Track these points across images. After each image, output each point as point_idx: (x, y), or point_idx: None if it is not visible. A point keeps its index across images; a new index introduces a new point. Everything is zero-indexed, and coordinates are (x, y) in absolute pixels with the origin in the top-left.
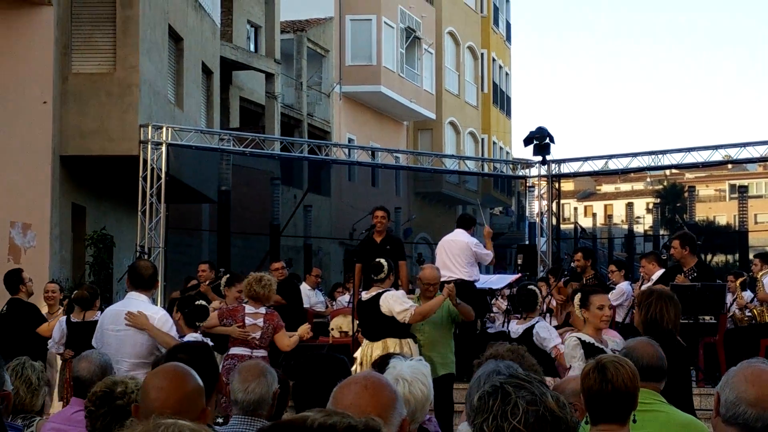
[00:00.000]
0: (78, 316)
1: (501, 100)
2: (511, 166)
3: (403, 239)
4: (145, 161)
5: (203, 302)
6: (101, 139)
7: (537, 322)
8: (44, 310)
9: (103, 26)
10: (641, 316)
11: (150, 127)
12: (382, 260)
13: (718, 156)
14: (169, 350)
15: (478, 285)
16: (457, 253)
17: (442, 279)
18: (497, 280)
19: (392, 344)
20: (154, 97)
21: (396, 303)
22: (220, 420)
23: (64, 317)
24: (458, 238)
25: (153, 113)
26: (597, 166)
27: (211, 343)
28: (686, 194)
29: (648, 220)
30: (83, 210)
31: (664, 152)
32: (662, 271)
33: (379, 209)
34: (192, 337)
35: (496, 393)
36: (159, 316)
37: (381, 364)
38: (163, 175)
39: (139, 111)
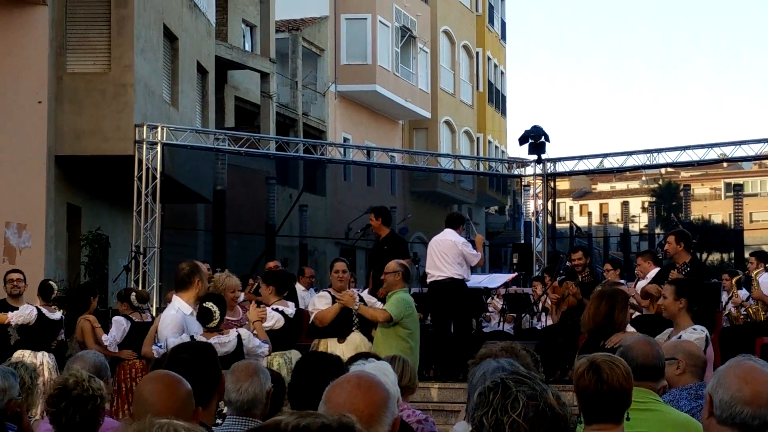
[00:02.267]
0: (136, 317)
1: (496, 98)
2: (506, 165)
3: None
4: (140, 161)
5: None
6: (96, 138)
7: None
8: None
9: (98, 26)
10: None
11: (145, 127)
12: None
13: (713, 154)
14: (172, 350)
15: (473, 284)
16: (445, 252)
17: (432, 279)
18: (493, 280)
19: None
20: (149, 96)
21: (312, 304)
22: (219, 421)
23: (122, 317)
24: (446, 237)
25: (148, 113)
26: (592, 164)
27: None
28: (682, 193)
29: (643, 219)
30: (78, 210)
31: (659, 151)
32: (657, 269)
33: (370, 210)
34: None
35: (497, 387)
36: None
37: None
38: (158, 175)
39: (134, 111)
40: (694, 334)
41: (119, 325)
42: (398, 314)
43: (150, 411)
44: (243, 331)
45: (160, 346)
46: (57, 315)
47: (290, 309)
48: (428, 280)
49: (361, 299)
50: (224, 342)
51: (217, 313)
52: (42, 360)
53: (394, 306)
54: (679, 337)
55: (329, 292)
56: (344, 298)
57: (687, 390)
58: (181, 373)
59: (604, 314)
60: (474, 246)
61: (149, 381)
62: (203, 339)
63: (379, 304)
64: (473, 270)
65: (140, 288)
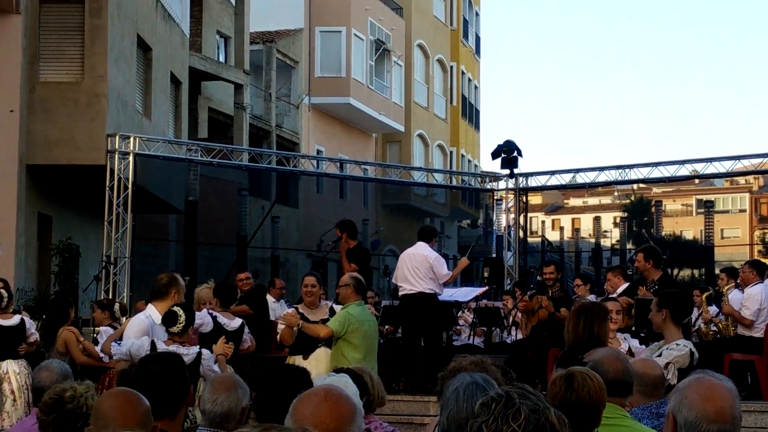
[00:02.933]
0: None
1: (470, 113)
2: (479, 179)
3: (371, 251)
4: (112, 171)
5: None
6: (68, 148)
7: None
8: None
9: (72, 35)
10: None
11: (117, 137)
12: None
13: (684, 171)
14: (140, 360)
15: (444, 298)
16: (416, 266)
17: (404, 292)
18: (464, 293)
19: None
20: (122, 106)
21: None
22: None
23: (108, 328)
24: (418, 251)
25: (121, 123)
26: (565, 179)
27: None
28: (653, 209)
29: (615, 234)
30: (49, 219)
31: (631, 166)
32: (627, 284)
33: (335, 225)
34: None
35: (501, 398)
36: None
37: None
38: (130, 185)
39: (106, 120)
40: (675, 350)
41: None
42: (340, 329)
43: (108, 427)
44: (206, 352)
45: (119, 344)
46: (13, 321)
47: (233, 323)
48: (399, 293)
49: (333, 311)
50: (183, 354)
51: (182, 319)
52: (6, 368)
53: (337, 321)
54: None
55: (297, 309)
56: (286, 319)
57: (648, 408)
58: (149, 384)
59: (585, 329)
60: (450, 264)
61: (108, 397)
62: (163, 346)
63: None
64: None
65: (110, 298)
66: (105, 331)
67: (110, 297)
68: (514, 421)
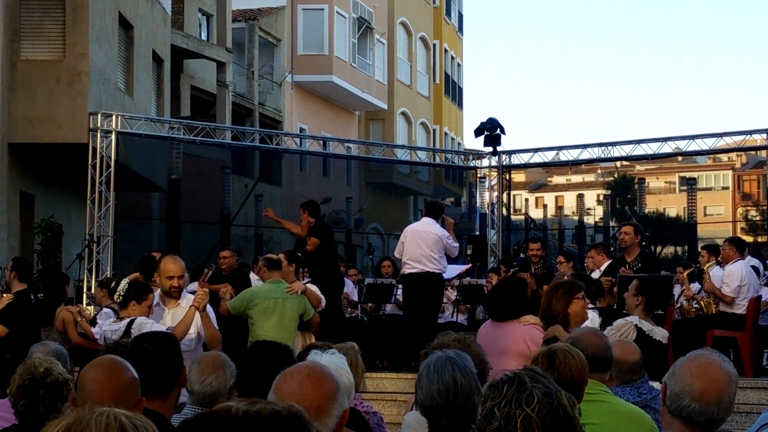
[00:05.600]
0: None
1: (453, 90)
2: (462, 156)
3: (354, 229)
4: (94, 149)
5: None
6: (50, 126)
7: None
8: None
9: (53, 13)
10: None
11: (99, 115)
12: None
13: (667, 148)
14: (134, 339)
15: None
16: (430, 247)
17: (410, 271)
18: (447, 271)
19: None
20: (104, 84)
21: None
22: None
23: (109, 309)
24: (430, 229)
25: (102, 101)
26: (548, 157)
27: None
28: (636, 186)
29: (598, 212)
30: (32, 198)
31: (614, 144)
32: (609, 261)
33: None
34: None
35: (512, 381)
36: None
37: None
38: (112, 164)
39: (88, 99)
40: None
41: (107, 317)
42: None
43: (90, 398)
44: (140, 319)
45: (103, 329)
46: None
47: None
48: (404, 271)
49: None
50: (113, 330)
51: (122, 291)
52: None
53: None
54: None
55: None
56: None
57: (630, 387)
58: (142, 363)
59: (544, 306)
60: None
61: (92, 367)
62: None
63: (319, 293)
64: None
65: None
66: (106, 313)
67: (93, 276)
68: (527, 405)
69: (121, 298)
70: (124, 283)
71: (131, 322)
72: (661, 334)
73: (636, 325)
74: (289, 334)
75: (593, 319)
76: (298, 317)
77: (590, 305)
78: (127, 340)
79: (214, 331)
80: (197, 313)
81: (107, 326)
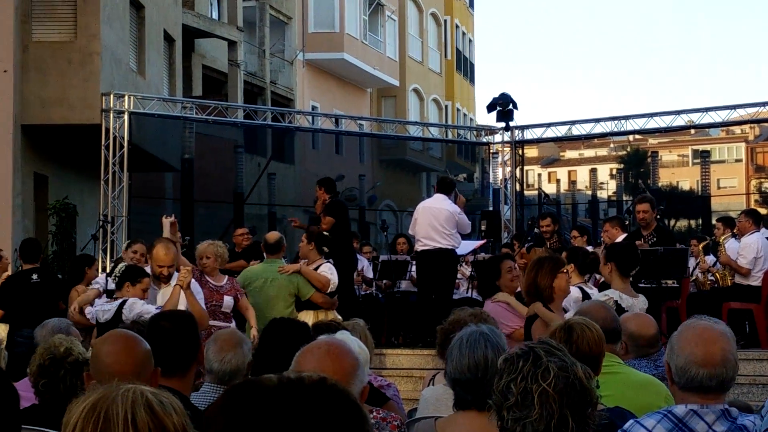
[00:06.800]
0: None
1: (464, 66)
2: (474, 132)
3: (367, 206)
4: (107, 130)
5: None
6: (63, 107)
7: None
8: None
9: None
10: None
11: (112, 96)
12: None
13: (680, 121)
14: (152, 318)
15: None
16: (442, 223)
17: (422, 248)
18: (461, 247)
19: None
20: (116, 65)
21: None
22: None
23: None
24: (442, 206)
25: (115, 81)
26: (560, 132)
27: None
28: (649, 159)
29: (612, 186)
30: (45, 179)
31: (627, 117)
32: (624, 235)
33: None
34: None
35: (527, 355)
36: None
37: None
38: (125, 144)
39: (100, 79)
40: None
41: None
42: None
43: (106, 372)
44: (132, 300)
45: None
46: None
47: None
48: (417, 248)
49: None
50: (106, 309)
51: (118, 273)
52: None
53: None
54: None
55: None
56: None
57: (647, 359)
58: (161, 341)
59: (529, 281)
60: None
61: (105, 341)
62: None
63: (330, 274)
64: None
65: (107, 257)
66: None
67: (108, 256)
68: (543, 379)
69: (117, 279)
70: (121, 265)
71: (123, 302)
72: (641, 305)
73: (616, 300)
74: (278, 314)
75: (575, 295)
76: (289, 297)
77: (587, 277)
78: (145, 319)
79: (199, 307)
80: (182, 291)
81: (99, 305)
